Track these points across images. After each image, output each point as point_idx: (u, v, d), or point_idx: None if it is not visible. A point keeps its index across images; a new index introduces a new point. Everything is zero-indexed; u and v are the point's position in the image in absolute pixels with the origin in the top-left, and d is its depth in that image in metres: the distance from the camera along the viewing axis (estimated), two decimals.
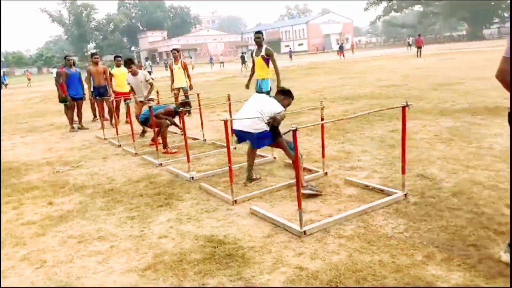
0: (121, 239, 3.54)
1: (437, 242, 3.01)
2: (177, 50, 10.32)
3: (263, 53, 7.27)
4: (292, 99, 4.89)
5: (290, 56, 45.46)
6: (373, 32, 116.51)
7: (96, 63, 9.96)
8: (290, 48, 53.27)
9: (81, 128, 9.83)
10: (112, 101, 8.96)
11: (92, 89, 10.25)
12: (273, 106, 4.55)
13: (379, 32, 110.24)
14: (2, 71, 43.90)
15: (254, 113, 4.48)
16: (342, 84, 14.99)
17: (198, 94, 7.49)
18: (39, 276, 3.02)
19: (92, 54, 10.31)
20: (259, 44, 7.30)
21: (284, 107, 4.66)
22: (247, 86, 8.09)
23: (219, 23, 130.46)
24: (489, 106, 8.04)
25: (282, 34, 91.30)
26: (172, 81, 10.28)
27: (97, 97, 9.92)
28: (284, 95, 4.85)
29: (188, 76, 10.19)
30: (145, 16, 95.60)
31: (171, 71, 10.26)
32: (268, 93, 7.21)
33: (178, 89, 10.03)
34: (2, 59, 79.49)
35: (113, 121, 8.71)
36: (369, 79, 15.93)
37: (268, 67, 7.38)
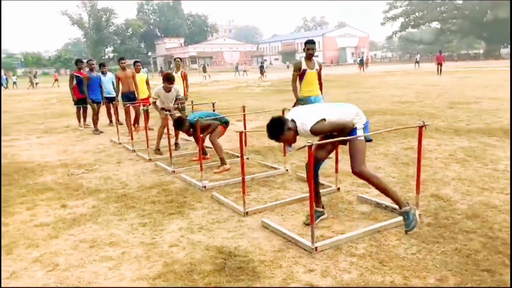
0: (133, 245, 3.56)
1: (450, 265, 2.97)
2: (180, 59, 10.31)
3: (317, 66, 6.28)
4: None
5: None
6: (389, 47, 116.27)
7: (123, 68, 9.88)
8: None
9: (96, 131, 9.96)
10: (133, 107, 9.08)
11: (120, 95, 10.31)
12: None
13: (395, 47, 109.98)
14: (35, 71, 44.43)
15: None
16: (356, 98, 14.95)
17: (213, 103, 7.55)
18: (51, 279, 3.05)
19: (120, 59, 10.29)
20: (311, 56, 6.21)
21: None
22: (300, 102, 6.28)
23: (236, 33, 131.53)
24: (505, 127, 7.94)
25: (298, 45, 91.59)
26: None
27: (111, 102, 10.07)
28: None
29: (186, 86, 10.23)
30: (163, 23, 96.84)
31: None
32: None
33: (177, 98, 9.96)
34: (22, 59, 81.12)
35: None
36: (383, 94, 15.88)
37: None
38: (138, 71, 10.08)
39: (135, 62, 10.29)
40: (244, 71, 45.54)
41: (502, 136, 7.25)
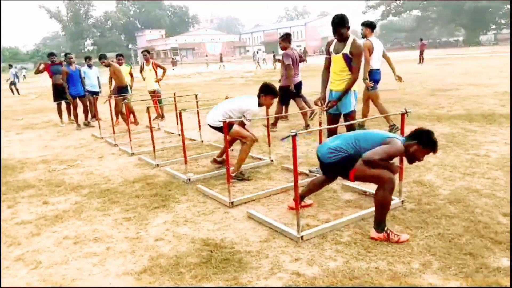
0: (117, 240, 3.52)
1: (434, 250, 3.01)
2: (147, 51, 10.22)
3: (348, 49, 4.59)
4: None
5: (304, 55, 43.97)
6: None
7: (120, 65, 9.82)
8: (304, 48, 50.16)
9: (88, 125, 9.81)
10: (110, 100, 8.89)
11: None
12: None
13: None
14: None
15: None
16: None
17: (196, 95, 7.48)
18: (34, 277, 2.99)
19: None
20: (339, 37, 4.64)
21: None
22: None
23: (218, 23, 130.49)
24: (486, 113, 8.07)
25: (280, 35, 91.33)
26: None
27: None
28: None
29: (164, 73, 10.15)
30: (143, 14, 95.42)
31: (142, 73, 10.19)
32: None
33: (152, 91, 9.92)
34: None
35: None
36: None
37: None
38: (120, 64, 9.92)
39: (117, 55, 10.14)
40: (264, 59, 41.32)
41: (483, 121, 7.36)
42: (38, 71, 10.44)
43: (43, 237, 3.69)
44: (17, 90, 22.53)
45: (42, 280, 2.95)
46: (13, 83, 22.42)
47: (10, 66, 23.81)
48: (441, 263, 2.83)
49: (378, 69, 7.09)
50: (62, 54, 10.95)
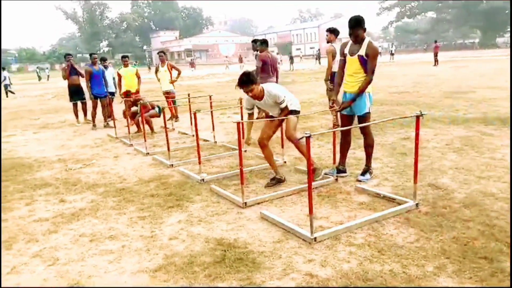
0: (132, 239, 3.57)
1: (449, 253, 2.99)
2: (163, 52, 10.28)
3: (363, 51, 4.49)
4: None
5: (318, 59, 42.54)
6: (385, 37, 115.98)
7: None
8: (318, 50, 48.80)
9: (107, 126, 9.86)
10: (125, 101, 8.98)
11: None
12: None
13: (391, 38, 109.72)
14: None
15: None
16: None
17: (210, 96, 7.53)
18: (52, 273, 3.05)
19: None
20: (355, 38, 4.54)
21: None
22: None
23: (231, 25, 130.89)
24: (502, 116, 7.97)
25: (294, 37, 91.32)
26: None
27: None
28: None
29: (178, 74, 10.23)
30: (157, 16, 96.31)
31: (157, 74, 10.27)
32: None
33: (167, 92, 9.99)
34: (16, 55, 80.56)
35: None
36: (379, 84, 15.86)
37: None
38: (126, 65, 9.91)
39: (122, 57, 10.19)
40: (280, 60, 42.66)
41: (499, 125, 7.27)
42: (66, 77, 10.51)
43: (60, 234, 3.75)
44: (8, 92, 22.05)
45: (59, 276, 3.01)
46: (6, 86, 21.95)
47: (4, 68, 22.76)
48: (456, 267, 2.81)
49: None
50: (79, 55, 11.01)
